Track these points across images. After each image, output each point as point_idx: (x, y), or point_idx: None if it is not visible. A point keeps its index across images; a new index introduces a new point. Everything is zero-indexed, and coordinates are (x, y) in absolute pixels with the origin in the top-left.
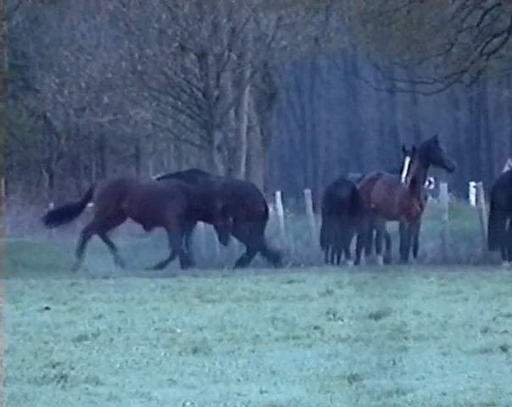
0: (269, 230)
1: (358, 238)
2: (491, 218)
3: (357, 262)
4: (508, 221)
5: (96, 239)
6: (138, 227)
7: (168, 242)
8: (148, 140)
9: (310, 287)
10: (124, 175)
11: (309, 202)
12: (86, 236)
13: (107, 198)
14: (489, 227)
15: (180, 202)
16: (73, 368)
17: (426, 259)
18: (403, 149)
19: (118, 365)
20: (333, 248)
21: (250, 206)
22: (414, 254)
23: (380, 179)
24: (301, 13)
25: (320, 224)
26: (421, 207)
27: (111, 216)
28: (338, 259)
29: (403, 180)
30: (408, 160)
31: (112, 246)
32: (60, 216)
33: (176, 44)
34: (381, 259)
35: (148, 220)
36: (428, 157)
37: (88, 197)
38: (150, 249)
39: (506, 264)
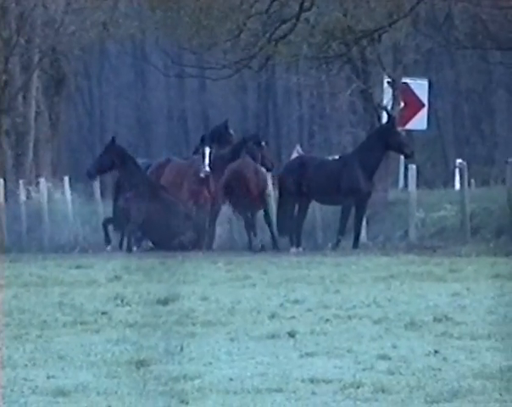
0: (57, 215)
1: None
2: (279, 204)
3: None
4: (296, 207)
5: None
6: None
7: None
8: None
9: (98, 272)
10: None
11: (98, 187)
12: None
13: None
14: (278, 213)
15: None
16: None
17: (214, 245)
18: (202, 139)
19: None
20: None
21: None
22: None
23: (169, 165)
24: None
25: (108, 209)
26: (210, 193)
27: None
28: None
29: (206, 168)
30: (208, 149)
31: None
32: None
33: None
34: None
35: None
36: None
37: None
38: None
39: (294, 249)
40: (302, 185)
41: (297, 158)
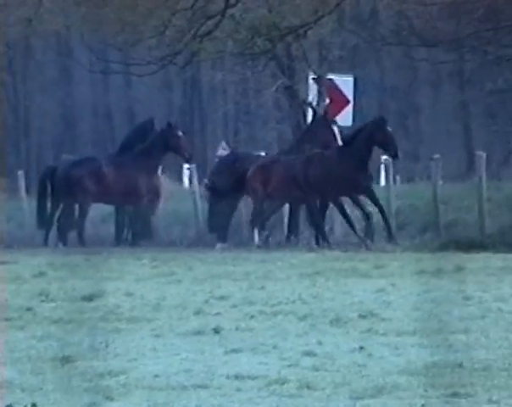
0: None
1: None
2: (211, 202)
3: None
4: (227, 204)
5: None
6: None
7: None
8: None
9: (23, 268)
10: None
11: (22, 183)
12: None
13: None
14: (210, 210)
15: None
16: None
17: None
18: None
19: None
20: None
21: None
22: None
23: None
24: None
25: (33, 205)
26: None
27: None
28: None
29: None
30: None
31: None
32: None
33: None
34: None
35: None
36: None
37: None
38: None
39: (219, 245)
40: (234, 183)
41: (228, 156)
